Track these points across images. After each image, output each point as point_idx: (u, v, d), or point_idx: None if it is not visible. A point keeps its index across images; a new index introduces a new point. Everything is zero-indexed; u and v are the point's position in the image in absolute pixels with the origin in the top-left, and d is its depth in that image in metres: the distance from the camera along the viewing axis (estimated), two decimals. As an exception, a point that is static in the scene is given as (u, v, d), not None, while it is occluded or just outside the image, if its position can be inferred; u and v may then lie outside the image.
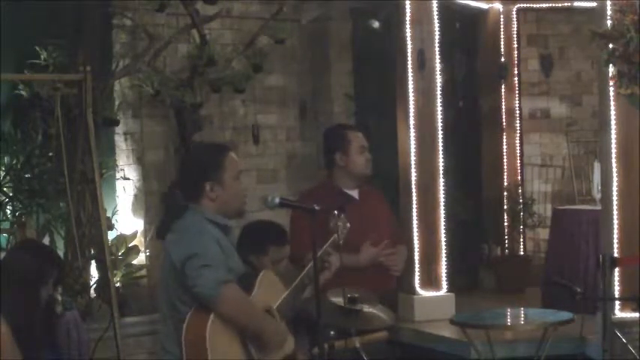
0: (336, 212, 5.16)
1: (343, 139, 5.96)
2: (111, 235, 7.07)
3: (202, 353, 4.36)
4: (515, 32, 9.17)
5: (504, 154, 9.11)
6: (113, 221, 7.31)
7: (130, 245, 7.41)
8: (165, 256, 4.65)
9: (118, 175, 7.67)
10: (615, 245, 6.17)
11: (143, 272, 7.42)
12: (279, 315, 4.66)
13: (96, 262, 7.00)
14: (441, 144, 7.29)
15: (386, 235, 5.82)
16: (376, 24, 8.81)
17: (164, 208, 4.89)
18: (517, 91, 9.22)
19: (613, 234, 6.19)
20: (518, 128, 9.21)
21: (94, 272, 7.05)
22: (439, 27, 7.31)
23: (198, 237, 4.50)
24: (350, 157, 5.93)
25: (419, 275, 7.20)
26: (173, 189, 4.82)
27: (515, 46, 9.18)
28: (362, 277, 5.40)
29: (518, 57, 9.23)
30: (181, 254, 4.47)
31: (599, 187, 6.76)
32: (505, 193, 9.01)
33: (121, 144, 7.71)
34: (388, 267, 5.79)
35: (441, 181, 7.29)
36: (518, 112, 9.23)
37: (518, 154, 9.20)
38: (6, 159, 6.97)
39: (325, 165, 6.08)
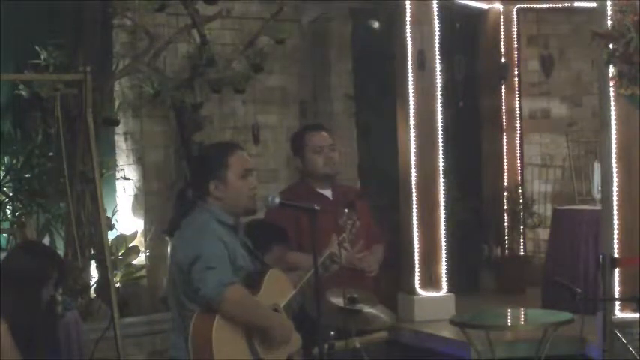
0: (346, 210, 5.15)
1: (299, 143, 5.87)
2: (111, 235, 7.06)
3: (208, 355, 4.36)
4: (515, 32, 9.18)
5: (504, 154, 9.11)
6: (113, 221, 7.31)
7: (130, 245, 7.41)
8: (172, 254, 4.67)
9: (118, 175, 7.67)
10: (615, 245, 6.17)
11: (143, 272, 7.42)
12: (286, 313, 4.67)
13: (96, 262, 7.00)
14: (441, 144, 7.31)
15: (361, 236, 5.75)
16: (376, 24, 8.81)
17: (173, 205, 4.84)
18: (517, 92, 9.23)
19: (613, 234, 6.19)
20: (518, 128, 9.21)
21: (94, 272, 7.05)
22: (439, 27, 7.33)
23: (203, 237, 4.50)
24: (306, 159, 5.83)
25: (419, 275, 7.21)
26: (184, 187, 4.80)
27: (516, 46, 9.20)
28: (336, 278, 5.37)
29: (519, 57, 9.23)
30: (186, 256, 4.47)
31: (599, 188, 6.76)
32: (505, 194, 9.02)
33: (121, 144, 7.71)
34: (362, 269, 5.75)
35: (441, 181, 7.30)
36: (518, 112, 9.24)
37: (518, 155, 9.21)
38: (6, 159, 6.97)
39: (296, 168, 6.04)
